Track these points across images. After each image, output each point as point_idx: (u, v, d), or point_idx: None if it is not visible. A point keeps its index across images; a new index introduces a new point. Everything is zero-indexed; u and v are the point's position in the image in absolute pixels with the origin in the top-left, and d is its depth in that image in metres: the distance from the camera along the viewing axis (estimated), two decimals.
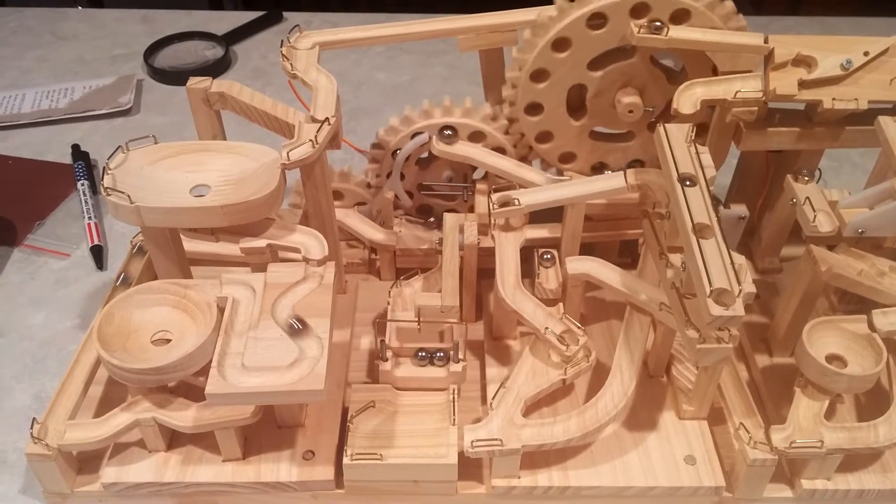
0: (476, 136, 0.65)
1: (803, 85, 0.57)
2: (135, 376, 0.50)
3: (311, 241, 0.54)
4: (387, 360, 0.54)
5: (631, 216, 0.65)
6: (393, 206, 0.68)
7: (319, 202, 0.59)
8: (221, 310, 0.52)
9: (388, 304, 0.59)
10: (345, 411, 0.56)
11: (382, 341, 0.55)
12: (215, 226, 0.53)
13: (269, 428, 0.55)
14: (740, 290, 0.45)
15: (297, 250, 0.54)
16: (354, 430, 0.53)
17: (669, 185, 0.52)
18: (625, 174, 0.58)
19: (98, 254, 0.75)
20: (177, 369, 0.50)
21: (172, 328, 0.52)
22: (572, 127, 0.65)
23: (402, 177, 0.67)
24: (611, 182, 0.58)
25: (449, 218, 0.63)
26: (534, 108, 0.64)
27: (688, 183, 0.52)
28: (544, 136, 0.65)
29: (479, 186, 0.67)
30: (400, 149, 0.65)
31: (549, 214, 0.63)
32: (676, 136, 0.55)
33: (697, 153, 0.53)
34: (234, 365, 0.48)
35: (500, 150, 0.65)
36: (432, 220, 0.70)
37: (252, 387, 0.47)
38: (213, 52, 1.04)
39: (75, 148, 0.87)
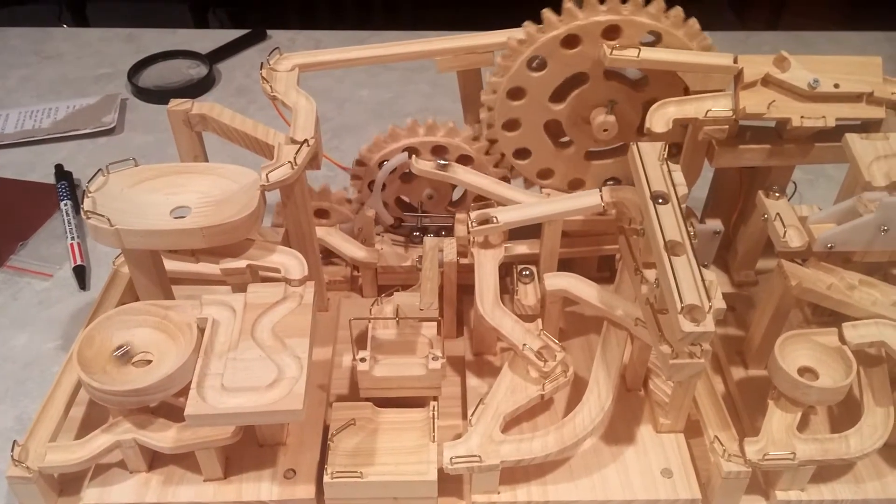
0: (463, 160, 0.66)
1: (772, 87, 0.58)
2: (115, 398, 0.50)
3: (290, 262, 0.55)
4: (364, 360, 0.55)
5: (608, 232, 0.66)
6: (374, 223, 0.68)
7: (300, 221, 0.60)
8: (202, 330, 0.52)
9: (370, 323, 0.60)
10: (326, 429, 0.57)
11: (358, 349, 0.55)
12: (195, 247, 0.53)
13: (250, 447, 0.56)
14: (710, 307, 0.46)
15: (276, 270, 0.54)
16: (335, 448, 0.53)
17: (643, 202, 0.53)
18: (601, 191, 0.59)
19: (81, 274, 0.75)
20: (157, 391, 0.50)
21: (153, 349, 0.53)
22: (549, 145, 0.66)
23: (384, 189, 0.68)
24: (587, 200, 0.59)
25: (428, 241, 0.64)
26: (511, 125, 0.65)
27: (660, 201, 0.53)
28: (522, 153, 0.66)
29: (458, 216, 0.68)
30: (385, 161, 0.66)
31: (528, 230, 0.64)
32: (649, 154, 0.56)
33: (669, 171, 0.55)
34: (214, 386, 0.48)
35: (480, 169, 0.66)
36: (416, 233, 0.70)
37: (231, 408, 0.47)
38: (198, 70, 1.05)
39: (58, 168, 0.87)
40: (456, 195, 0.72)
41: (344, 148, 0.91)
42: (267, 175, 0.54)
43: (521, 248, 0.66)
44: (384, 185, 0.68)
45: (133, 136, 0.94)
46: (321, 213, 0.69)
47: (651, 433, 0.57)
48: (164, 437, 0.52)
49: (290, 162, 0.55)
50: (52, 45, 1.12)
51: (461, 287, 0.65)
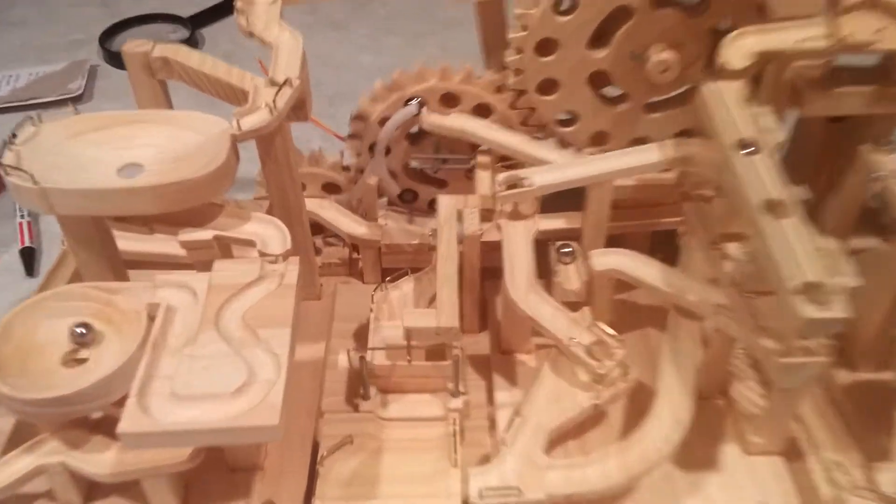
0: (481, 110, 0.53)
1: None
2: (32, 409, 0.38)
3: (269, 232, 0.43)
4: (369, 398, 0.43)
5: (666, 201, 0.54)
6: (377, 195, 0.56)
7: (283, 186, 0.48)
8: (153, 319, 0.40)
9: (371, 311, 0.48)
10: (316, 448, 0.44)
11: (364, 366, 0.43)
12: (147, 213, 0.41)
13: (217, 472, 0.44)
14: (838, 284, 0.33)
15: (251, 243, 0.42)
16: (326, 474, 0.41)
17: (721, 155, 0.41)
18: (660, 146, 0.46)
19: (29, 257, 0.63)
20: (90, 398, 0.38)
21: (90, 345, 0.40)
22: (597, 103, 0.53)
23: (388, 154, 0.56)
24: (642, 156, 0.47)
25: (444, 201, 0.51)
26: (548, 87, 0.52)
27: (749, 150, 0.40)
28: (566, 118, 0.53)
29: (480, 159, 0.55)
30: (387, 118, 0.54)
31: (565, 203, 0.52)
32: (728, 94, 0.43)
33: (756, 115, 0.42)
34: (161, 392, 0.36)
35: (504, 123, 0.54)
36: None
37: (183, 423, 0.35)
38: (178, 34, 0.93)
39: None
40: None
41: (340, 116, 0.77)
42: (238, 122, 0.42)
43: (558, 222, 0.54)
44: (388, 148, 0.55)
45: (101, 104, 0.82)
46: (326, 188, 0.57)
47: (739, 455, 0.44)
48: (100, 460, 0.40)
49: (268, 105, 0.42)
50: (17, 12, 1.00)
51: (484, 270, 0.53)
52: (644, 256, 0.46)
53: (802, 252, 0.35)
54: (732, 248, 0.43)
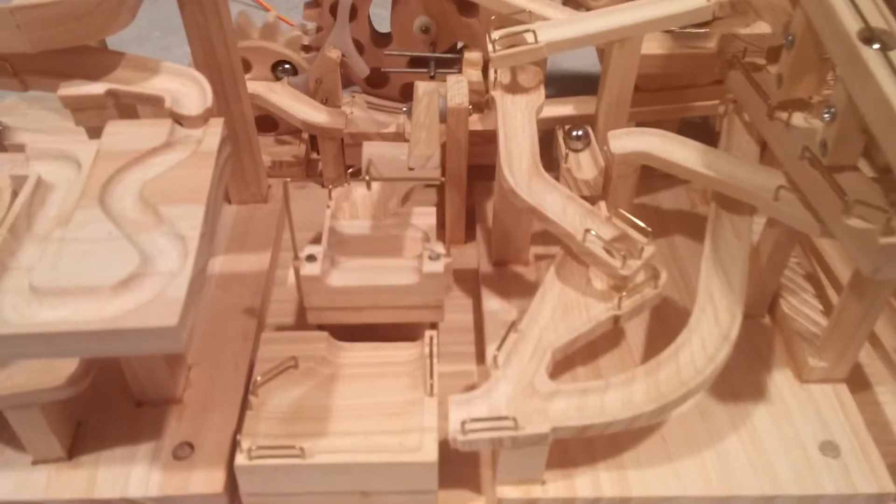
0: None
1: None
2: None
3: (184, 87, 0.32)
4: (313, 258, 0.32)
5: (699, 81, 0.43)
6: (340, 74, 0.45)
7: (209, 39, 0.37)
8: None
9: (329, 208, 0.37)
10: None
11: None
12: (12, 50, 0.30)
13: (119, 406, 0.33)
14: None
15: (158, 100, 0.31)
16: (259, 406, 0.31)
17: None
18: None
19: None
20: None
21: None
22: None
23: (356, 39, 0.45)
24: (683, 3, 0.36)
25: (422, 85, 0.41)
26: None
27: None
28: None
29: (467, 56, 0.45)
30: None
31: (574, 87, 0.42)
32: None
33: None
34: (18, 288, 0.26)
35: None
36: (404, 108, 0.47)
37: (43, 324, 0.24)
38: None
39: None
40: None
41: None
42: None
43: (565, 108, 0.44)
44: (354, 8, 0.44)
45: None
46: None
47: (793, 383, 0.34)
48: None
49: None
50: None
51: (474, 168, 0.42)
52: (677, 136, 0.36)
53: None
54: (799, 117, 0.33)
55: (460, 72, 0.45)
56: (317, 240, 0.36)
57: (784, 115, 0.33)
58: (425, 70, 0.47)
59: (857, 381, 0.35)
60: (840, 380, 0.34)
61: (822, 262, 0.40)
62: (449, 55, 0.48)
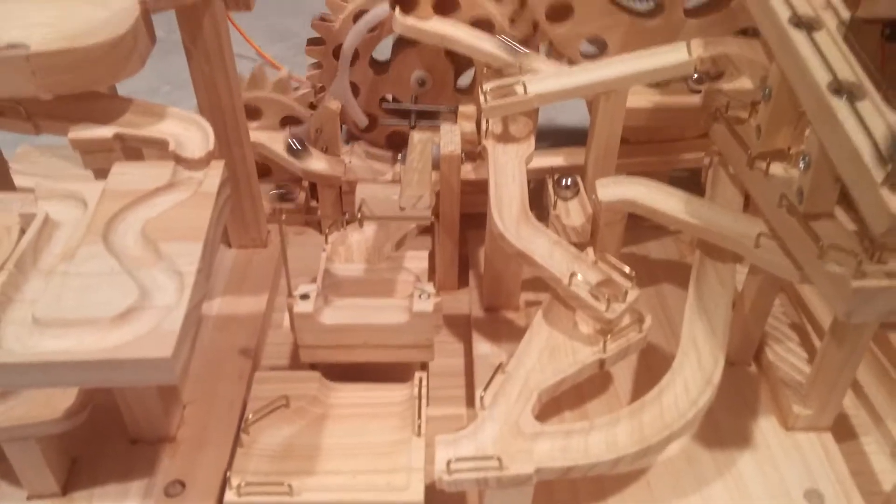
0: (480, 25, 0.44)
1: None
2: None
3: (187, 131, 0.33)
4: (306, 297, 0.33)
5: (686, 134, 0.45)
6: (340, 125, 0.47)
7: (215, 87, 0.38)
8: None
9: (325, 251, 0.38)
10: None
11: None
12: (26, 94, 0.32)
13: (114, 442, 0.34)
14: None
15: (163, 144, 0.33)
16: (250, 444, 0.31)
17: (773, 36, 0.32)
18: (688, 45, 0.38)
19: None
20: None
21: None
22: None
23: (354, 83, 0.47)
24: (668, 57, 0.38)
25: (416, 134, 0.42)
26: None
27: (805, 28, 0.31)
28: (558, 12, 0.44)
29: (462, 109, 0.47)
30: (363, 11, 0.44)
31: (564, 138, 0.43)
32: None
33: None
34: (21, 319, 0.27)
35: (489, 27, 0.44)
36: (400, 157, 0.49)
37: (42, 354, 0.25)
38: None
39: None
40: (463, 82, 0.50)
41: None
42: None
43: (556, 159, 0.45)
44: (355, 57, 0.46)
45: None
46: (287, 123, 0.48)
47: (778, 431, 0.35)
48: None
49: None
50: None
51: (467, 217, 0.43)
52: (663, 185, 0.37)
53: (885, 137, 0.26)
54: (777, 167, 0.34)
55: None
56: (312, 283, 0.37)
57: (763, 165, 0.34)
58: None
59: (843, 431, 0.35)
60: (825, 428, 0.34)
61: (806, 311, 0.40)
62: (432, 107, 0.49)
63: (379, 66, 0.48)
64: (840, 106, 0.27)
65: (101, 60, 0.31)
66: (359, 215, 0.33)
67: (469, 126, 0.45)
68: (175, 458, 0.34)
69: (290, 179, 0.49)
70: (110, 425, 0.34)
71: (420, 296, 0.33)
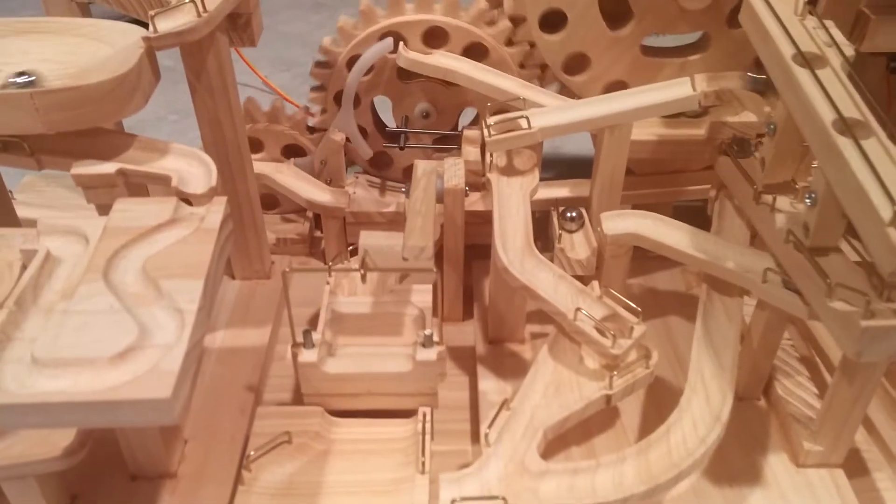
0: (474, 50, 0.44)
1: None
2: None
3: (190, 167, 0.33)
4: (311, 346, 0.33)
5: (690, 167, 0.45)
6: (345, 157, 0.47)
7: (218, 123, 0.38)
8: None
9: (328, 284, 0.38)
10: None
11: (308, 332, 0.34)
12: (30, 131, 0.32)
13: (114, 478, 0.34)
14: None
15: (165, 180, 0.33)
16: (252, 482, 0.31)
17: (778, 74, 0.32)
18: (692, 80, 0.37)
19: None
20: None
21: None
22: (614, 41, 0.44)
23: (358, 105, 0.46)
24: (672, 92, 0.38)
25: (421, 164, 0.42)
26: (552, 21, 0.43)
27: (811, 66, 0.31)
28: (576, 63, 0.44)
29: (467, 133, 0.47)
30: (357, 56, 0.44)
31: (569, 171, 0.43)
32: (779, 7, 0.35)
33: (822, 26, 0.33)
34: (20, 358, 0.26)
35: (500, 67, 0.44)
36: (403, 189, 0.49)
37: (40, 394, 0.25)
38: None
39: None
40: (465, 119, 0.50)
41: None
42: (154, 22, 0.33)
43: (561, 191, 0.45)
44: (358, 97, 0.46)
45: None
46: (289, 152, 0.48)
47: (788, 468, 0.34)
48: None
49: (193, 1, 0.34)
50: None
51: (472, 248, 0.43)
52: (668, 219, 0.37)
53: (892, 176, 0.25)
54: (783, 201, 0.34)
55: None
56: (316, 317, 0.37)
57: (769, 199, 0.34)
58: (426, 146, 0.49)
59: (856, 468, 0.35)
60: (836, 464, 0.34)
61: (815, 345, 0.40)
62: (422, 132, 0.49)
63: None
64: (846, 145, 0.27)
65: (105, 98, 0.31)
66: (361, 270, 0.33)
67: (474, 153, 0.45)
68: (175, 494, 0.33)
69: (295, 210, 0.50)
70: (110, 461, 0.34)
71: (423, 343, 0.33)
